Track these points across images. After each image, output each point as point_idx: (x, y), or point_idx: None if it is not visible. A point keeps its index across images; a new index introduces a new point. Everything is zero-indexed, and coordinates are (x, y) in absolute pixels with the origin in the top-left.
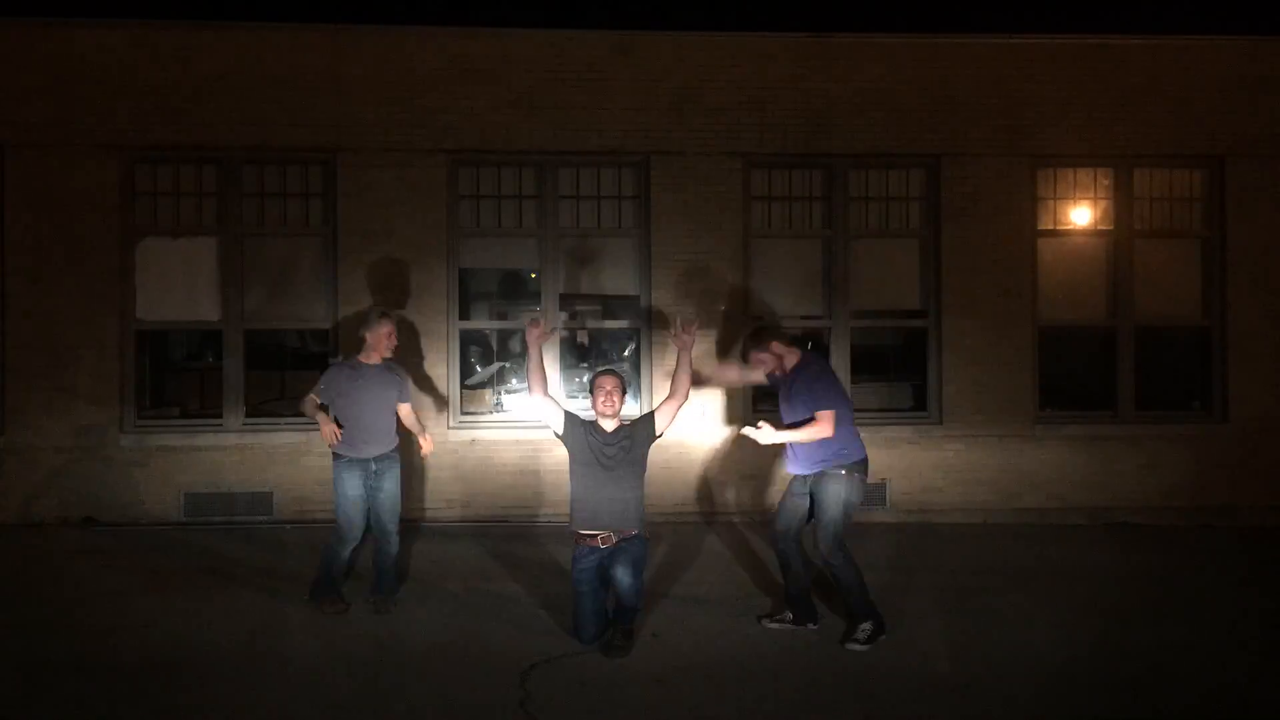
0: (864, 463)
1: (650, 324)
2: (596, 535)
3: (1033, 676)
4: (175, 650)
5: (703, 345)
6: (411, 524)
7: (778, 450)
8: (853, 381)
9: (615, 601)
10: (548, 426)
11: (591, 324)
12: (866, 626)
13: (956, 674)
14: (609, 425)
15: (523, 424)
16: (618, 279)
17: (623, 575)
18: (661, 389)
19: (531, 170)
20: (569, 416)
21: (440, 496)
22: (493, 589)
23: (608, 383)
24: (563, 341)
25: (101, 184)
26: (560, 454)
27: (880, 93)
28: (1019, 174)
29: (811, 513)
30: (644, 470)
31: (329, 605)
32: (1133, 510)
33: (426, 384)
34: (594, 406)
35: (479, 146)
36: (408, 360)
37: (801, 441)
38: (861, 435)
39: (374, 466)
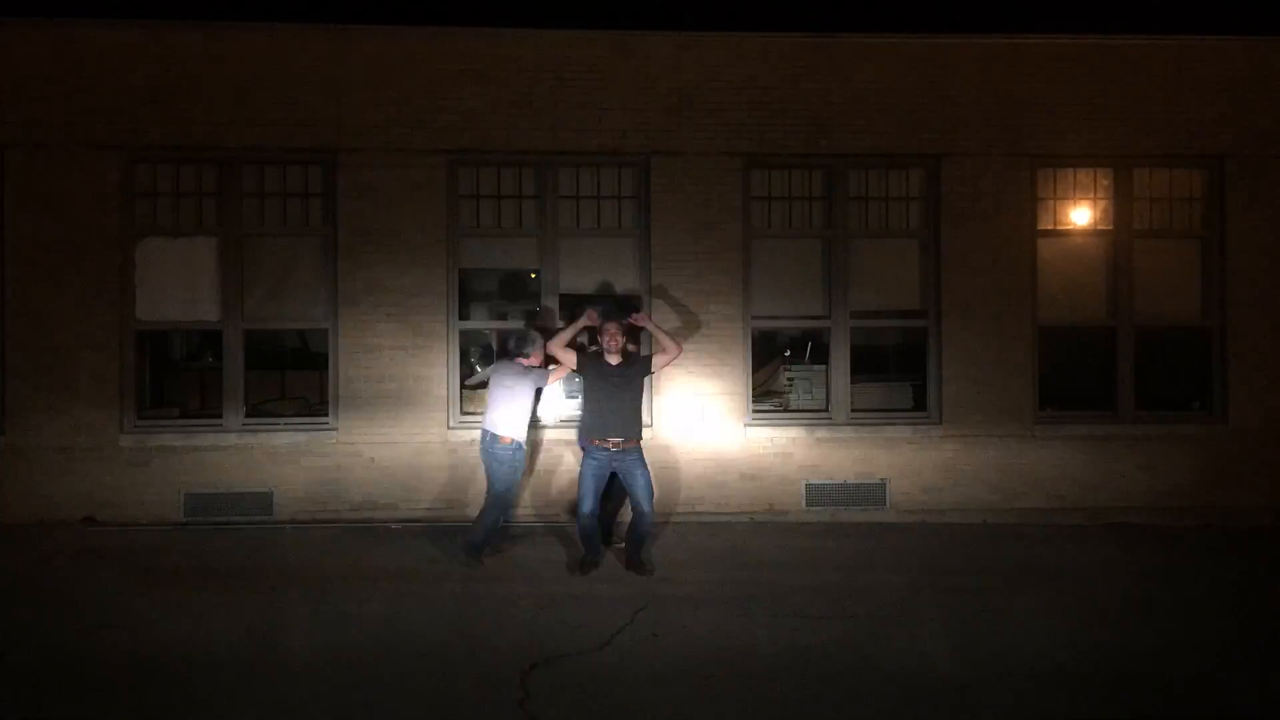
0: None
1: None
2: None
3: (1033, 676)
4: (174, 650)
5: (704, 346)
6: (411, 524)
7: (778, 450)
8: (853, 381)
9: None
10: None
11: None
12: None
13: (956, 674)
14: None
15: None
16: (618, 279)
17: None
18: (662, 389)
19: (531, 170)
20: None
21: (440, 496)
22: (493, 589)
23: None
24: None
25: (101, 184)
26: (558, 454)
27: (880, 93)
28: (1019, 174)
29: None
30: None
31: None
32: (1133, 510)
33: (426, 384)
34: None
35: (479, 146)
36: (406, 361)
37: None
38: (862, 435)
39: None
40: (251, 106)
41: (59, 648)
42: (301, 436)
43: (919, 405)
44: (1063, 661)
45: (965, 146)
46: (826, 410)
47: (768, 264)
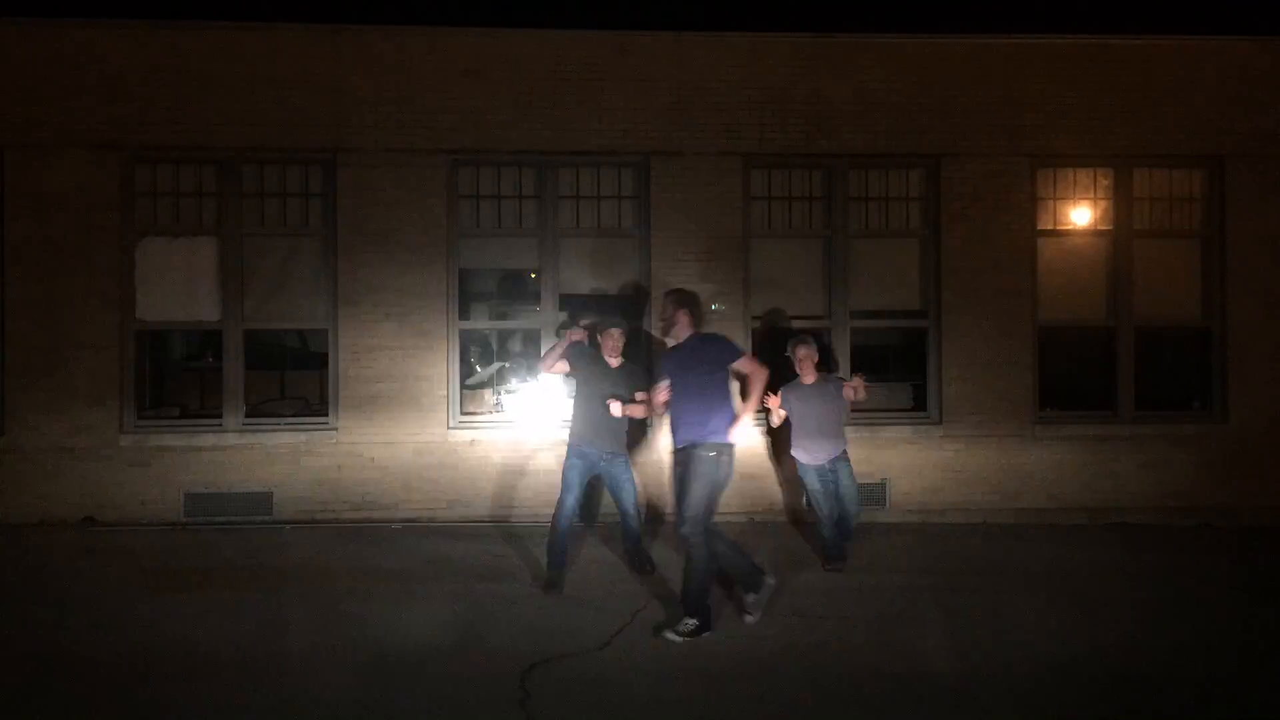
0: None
1: (650, 324)
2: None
3: (1032, 676)
4: (174, 650)
5: None
6: (411, 524)
7: (777, 450)
8: None
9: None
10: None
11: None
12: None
13: (956, 674)
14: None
15: (522, 424)
16: (618, 279)
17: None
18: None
19: (531, 170)
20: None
21: (440, 496)
22: (492, 589)
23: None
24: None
25: (102, 184)
26: (559, 454)
27: (880, 93)
28: (1019, 174)
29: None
30: None
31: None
32: (1132, 510)
33: (426, 384)
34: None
35: (479, 146)
36: (406, 361)
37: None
38: (862, 435)
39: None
40: (251, 106)
41: (58, 647)
42: (301, 436)
43: (919, 405)
44: (1063, 661)
45: (965, 146)
46: None
47: (768, 264)
